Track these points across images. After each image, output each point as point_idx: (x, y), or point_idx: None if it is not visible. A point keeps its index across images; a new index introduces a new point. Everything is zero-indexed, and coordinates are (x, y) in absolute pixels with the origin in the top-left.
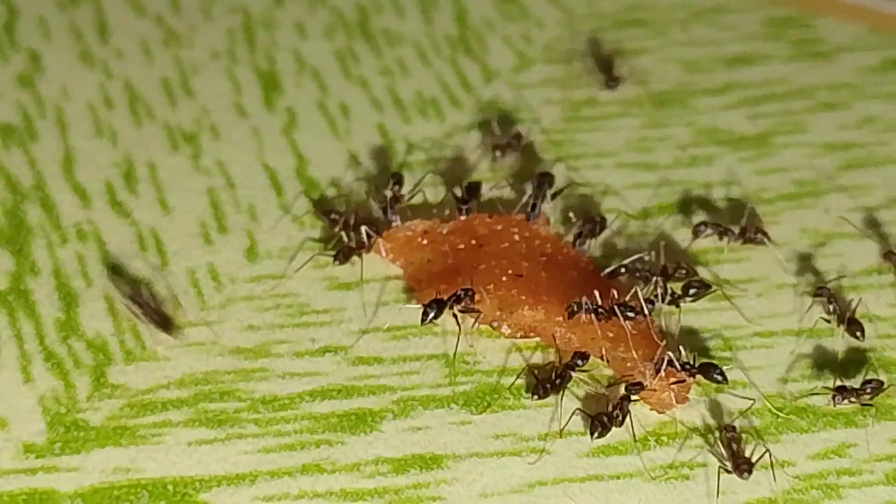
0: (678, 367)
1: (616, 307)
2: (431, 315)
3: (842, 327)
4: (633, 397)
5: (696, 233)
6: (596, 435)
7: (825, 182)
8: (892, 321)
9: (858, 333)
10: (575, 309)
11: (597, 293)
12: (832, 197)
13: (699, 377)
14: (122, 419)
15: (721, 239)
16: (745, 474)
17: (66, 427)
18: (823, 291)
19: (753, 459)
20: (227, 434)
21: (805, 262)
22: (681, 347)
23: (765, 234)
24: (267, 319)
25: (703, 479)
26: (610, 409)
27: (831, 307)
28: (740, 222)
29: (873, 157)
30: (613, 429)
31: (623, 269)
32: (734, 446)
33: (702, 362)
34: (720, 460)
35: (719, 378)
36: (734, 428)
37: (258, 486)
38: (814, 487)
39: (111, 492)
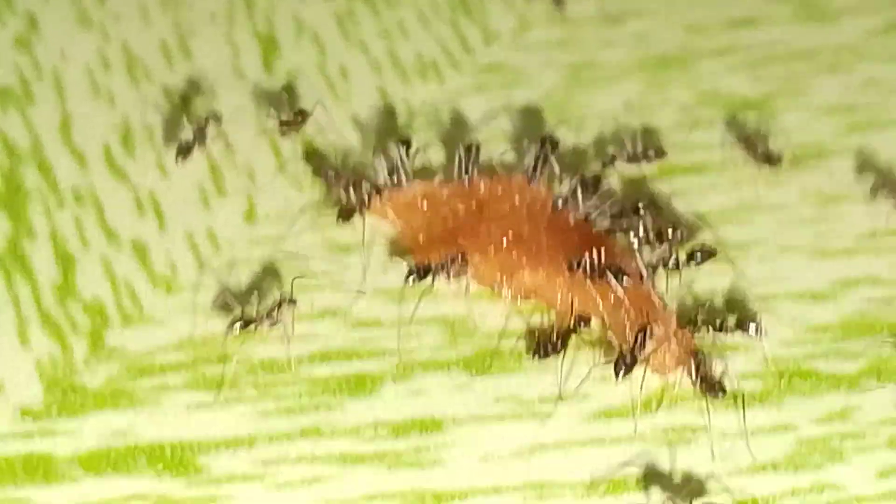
0: (715, 330)
1: (608, 269)
2: (413, 278)
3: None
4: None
5: (605, 164)
6: (621, 375)
7: (828, 145)
8: None
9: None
10: (574, 266)
11: (594, 252)
12: (835, 159)
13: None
14: (119, 382)
15: (630, 162)
16: (720, 394)
17: (64, 390)
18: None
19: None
20: (225, 397)
21: (808, 226)
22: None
23: (662, 152)
24: (266, 282)
25: (704, 442)
26: (629, 347)
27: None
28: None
29: (877, 120)
30: (614, 391)
31: (618, 230)
32: (703, 370)
33: (737, 319)
34: (696, 387)
35: (759, 329)
36: (700, 353)
37: (257, 450)
38: (817, 451)
39: (109, 455)
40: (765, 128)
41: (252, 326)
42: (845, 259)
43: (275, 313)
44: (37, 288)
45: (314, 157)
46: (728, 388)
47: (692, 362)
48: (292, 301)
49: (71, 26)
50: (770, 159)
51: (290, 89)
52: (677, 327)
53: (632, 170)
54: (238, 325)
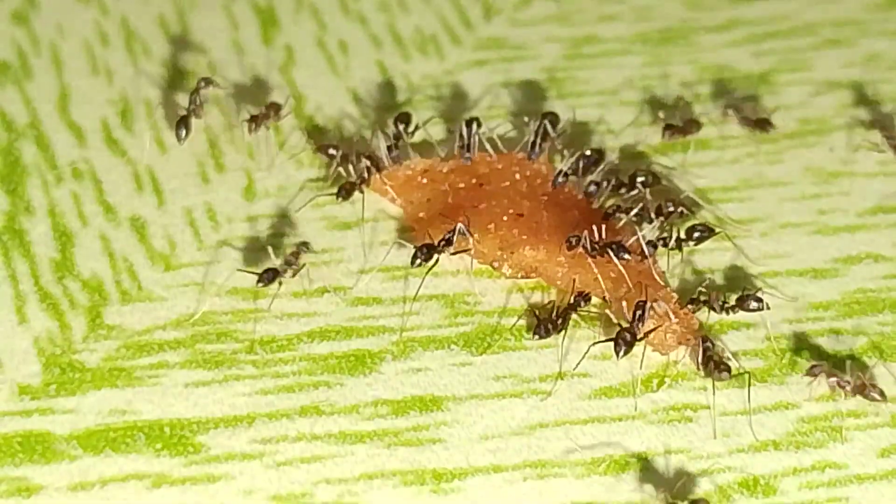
0: (716, 308)
1: (608, 245)
2: (421, 259)
3: None
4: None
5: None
6: (622, 353)
7: (830, 120)
8: None
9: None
10: (573, 242)
11: (594, 230)
12: (837, 135)
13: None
14: (118, 360)
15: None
16: (725, 374)
17: (62, 368)
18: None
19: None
20: (224, 376)
21: (810, 203)
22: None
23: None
24: (264, 260)
25: (705, 421)
26: (629, 325)
27: None
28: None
29: (879, 95)
30: (615, 370)
31: (618, 208)
32: (709, 353)
33: (737, 297)
34: (700, 367)
35: (759, 306)
36: (703, 333)
37: (256, 429)
38: (818, 430)
39: (107, 434)
40: (758, 96)
41: (278, 279)
42: (847, 236)
43: (294, 260)
44: (35, 265)
45: (314, 134)
46: (732, 369)
47: (695, 341)
48: (305, 244)
49: (69, 1)
50: (763, 126)
51: (260, 83)
52: (678, 305)
53: (633, 146)
54: (267, 276)
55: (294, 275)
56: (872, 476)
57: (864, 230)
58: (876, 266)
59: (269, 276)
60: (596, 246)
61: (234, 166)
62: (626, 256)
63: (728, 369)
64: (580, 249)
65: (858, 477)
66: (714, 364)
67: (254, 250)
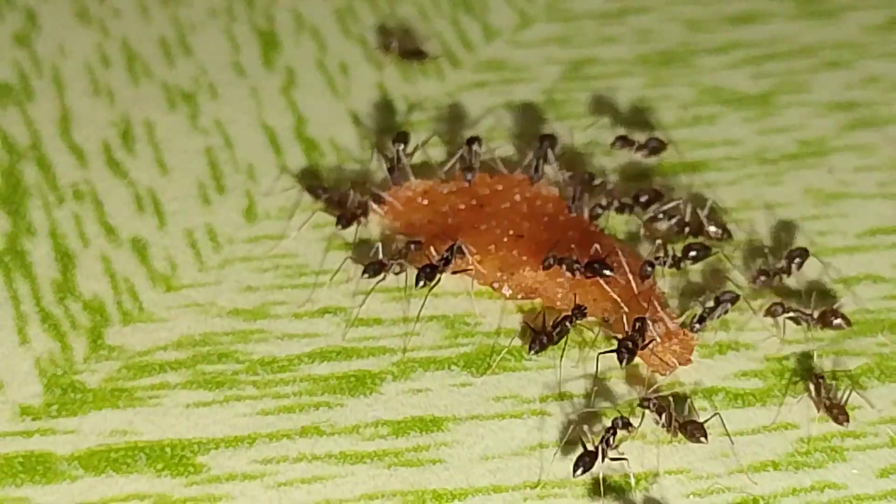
0: (801, 319)
1: (590, 264)
2: (424, 279)
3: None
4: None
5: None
6: (625, 362)
7: (829, 142)
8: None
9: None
10: (551, 262)
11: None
12: (836, 157)
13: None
14: (119, 381)
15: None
16: (703, 439)
17: (63, 389)
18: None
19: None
20: (225, 396)
21: (809, 224)
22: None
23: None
24: (265, 280)
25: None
26: (629, 334)
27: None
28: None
29: (878, 117)
30: (615, 389)
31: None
32: (665, 414)
33: (820, 311)
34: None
35: (845, 324)
36: (652, 400)
37: (256, 449)
38: (818, 450)
39: (108, 454)
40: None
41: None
42: (846, 257)
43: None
44: (36, 286)
45: (303, 178)
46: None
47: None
48: (416, 242)
49: (70, 22)
50: (654, 150)
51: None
52: (678, 326)
53: (633, 167)
54: (373, 268)
55: (399, 272)
56: (872, 496)
57: (863, 251)
58: (875, 287)
59: (375, 268)
60: (579, 265)
61: (235, 187)
62: (608, 273)
63: (705, 434)
64: (566, 271)
65: (858, 497)
66: (685, 426)
67: (255, 271)
